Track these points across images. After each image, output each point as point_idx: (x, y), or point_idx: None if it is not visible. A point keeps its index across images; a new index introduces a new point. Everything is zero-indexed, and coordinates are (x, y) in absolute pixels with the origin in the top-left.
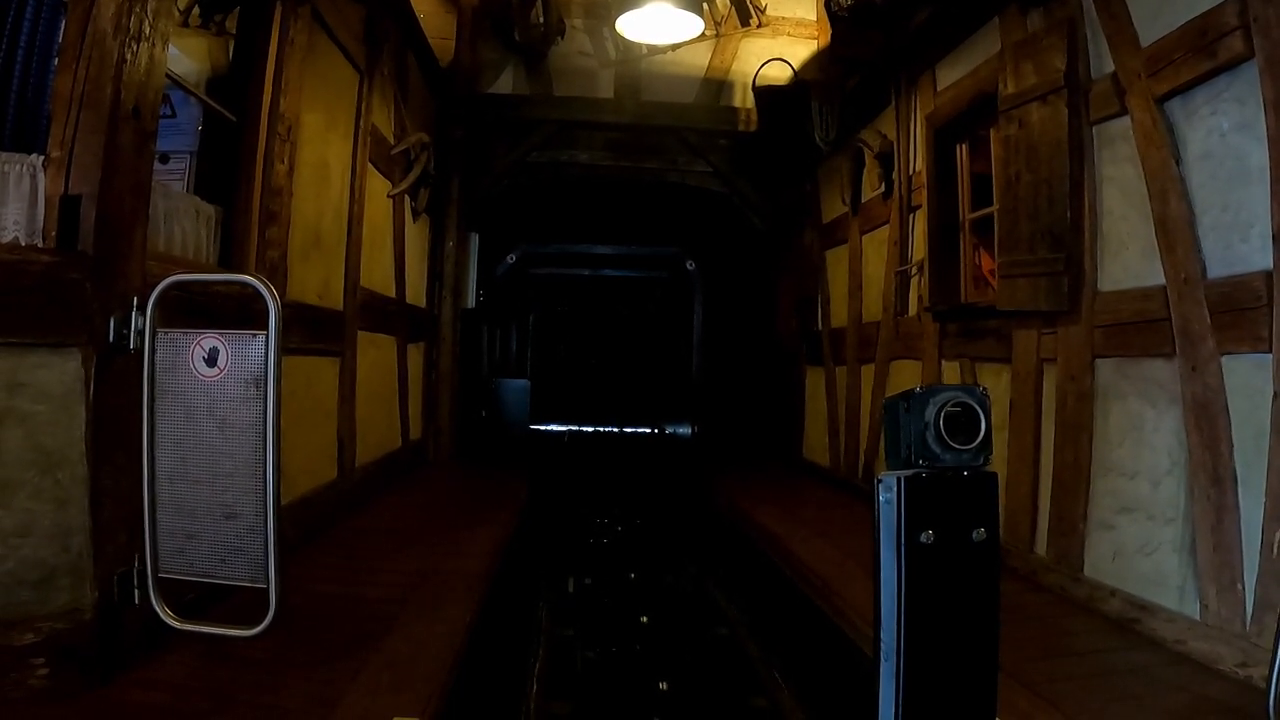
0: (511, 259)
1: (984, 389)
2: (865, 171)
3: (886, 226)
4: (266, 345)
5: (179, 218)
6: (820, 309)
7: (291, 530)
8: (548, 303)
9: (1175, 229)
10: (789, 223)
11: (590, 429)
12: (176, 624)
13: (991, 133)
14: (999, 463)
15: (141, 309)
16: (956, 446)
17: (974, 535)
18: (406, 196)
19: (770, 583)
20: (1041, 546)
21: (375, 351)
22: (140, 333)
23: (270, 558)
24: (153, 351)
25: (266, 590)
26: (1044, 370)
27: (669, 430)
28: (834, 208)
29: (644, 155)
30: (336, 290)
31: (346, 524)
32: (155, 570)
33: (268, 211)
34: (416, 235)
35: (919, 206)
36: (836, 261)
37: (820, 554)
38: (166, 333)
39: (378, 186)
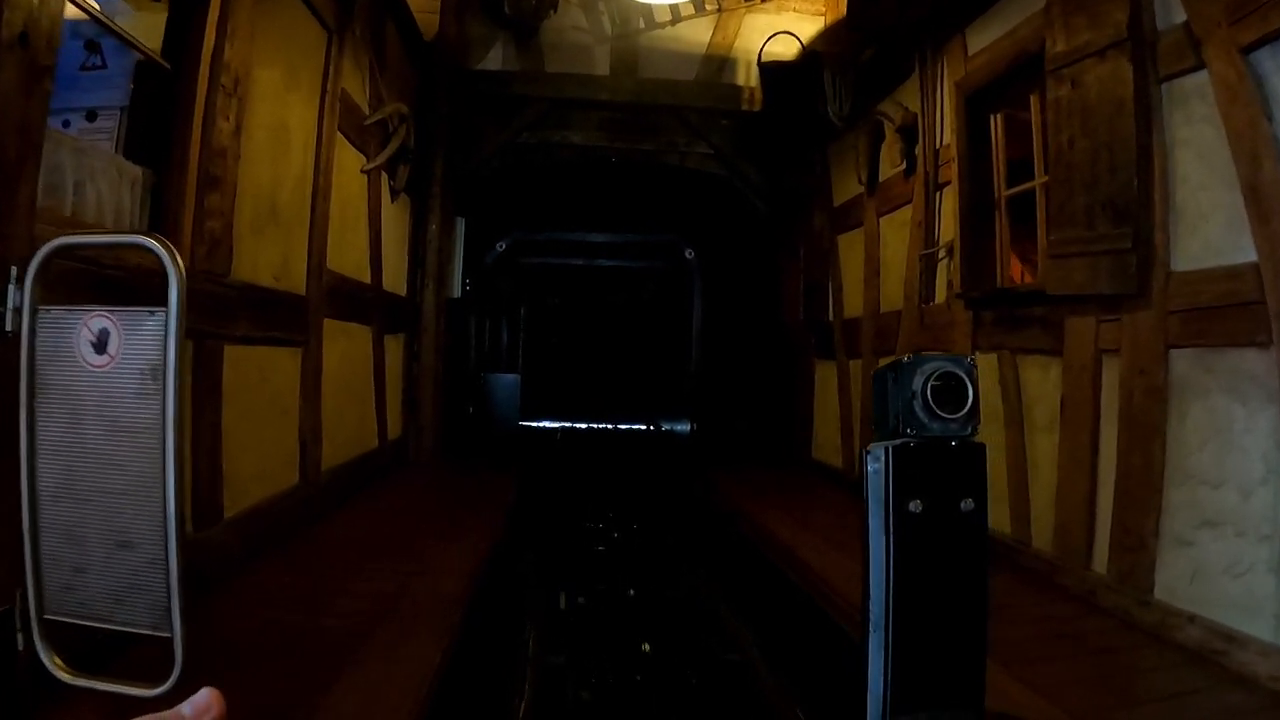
0: (501, 247)
1: (972, 359)
2: (884, 147)
3: (909, 207)
4: (166, 325)
5: (95, 179)
6: (831, 298)
7: (240, 545)
8: (539, 294)
9: (1270, 197)
10: (796, 206)
11: (584, 426)
12: (67, 678)
13: (1032, 99)
14: (1048, 466)
15: (20, 281)
16: (944, 416)
17: (962, 505)
18: (384, 173)
19: (785, 599)
20: (1100, 563)
21: (346, 342)
22: (18, 310)
23: (174, 599)
24: (32, 334)
25: (171, 640)
26: (1103, 363)
27: (665, 427)
28: (847, 189)
29: (641, 136)
30: (298, 272)
31: (310, 535)
32: (40, 610)
33: (208, 175)
34: (395, 217)
35: (947, 183)
36: (850, 246)
37: (839, 568)
38: (48, 310)
39: (350, 160)
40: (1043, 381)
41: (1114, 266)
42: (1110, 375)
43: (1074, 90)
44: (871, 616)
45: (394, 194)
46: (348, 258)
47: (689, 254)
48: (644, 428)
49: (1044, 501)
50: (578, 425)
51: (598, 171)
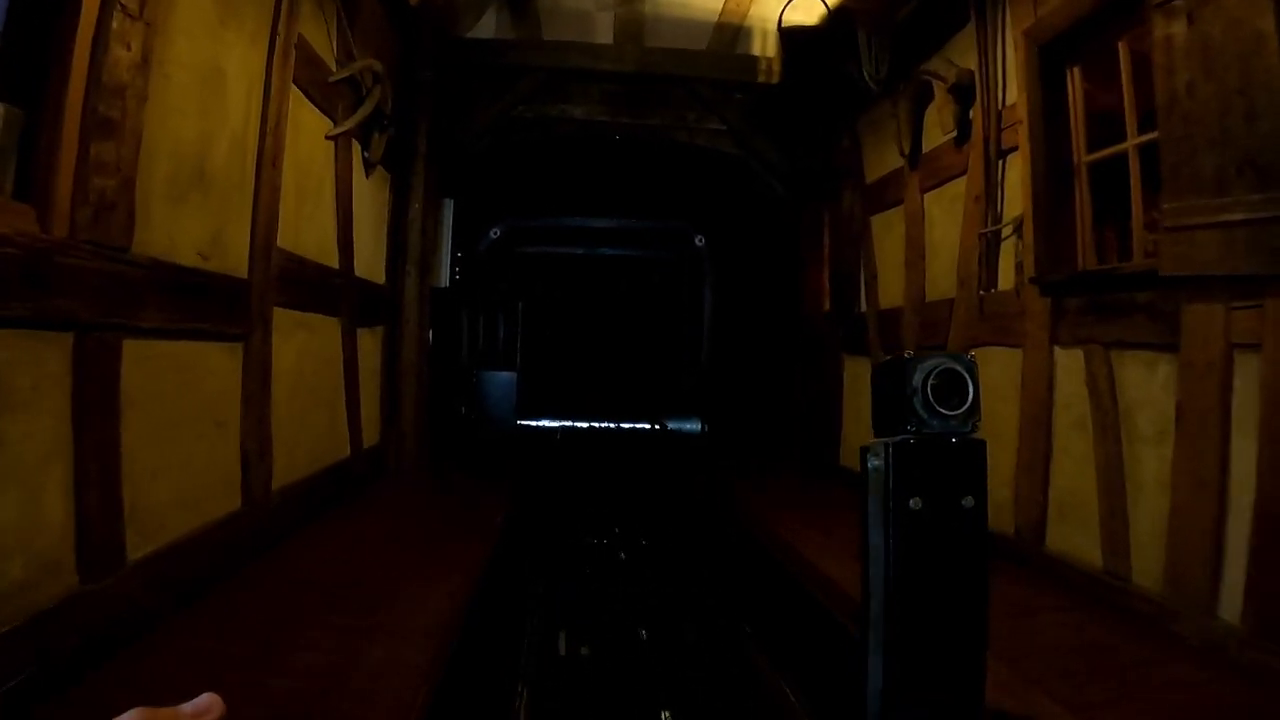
0: (495, 234)
1: (972, 356)
2: (931, 112)
3: (962, 179)
4: None
5: None
6: (864, 287)
7: (153, 596)
8: (538, 285)
9: None
10: (820, 187)
11: (585, 425)
12: None
13: (1120, 45)
14: (1157, 486)
15: None
16: (944, 412)
17: (963, 502)
18: (355, 142)
19: (836, 645)
20: (1231, 610)
21: (307, 336)
22: None
23: None
24: None
25: None
26: (1236, 360)
27: (673, 427)
28: (883, 163)
29: (647, 110)
30: (237, 250)
31: (253, 573)
32: None
33: (97, 117)
34: (371, 193)
35: (1013, 150)
36: (886, 228)
37: None
38: None
39: (311, 122)
40: (1148, 383)
41: (1255, 240)
42: (1246, 375)
43: (1191, 26)
44: (871, 614)
45: (369, 167)
46: (308, 237)
47: (699, 241)
48: (649, 427)
49: (1150, 529)
50: (578, 424)
51: (600, 150)
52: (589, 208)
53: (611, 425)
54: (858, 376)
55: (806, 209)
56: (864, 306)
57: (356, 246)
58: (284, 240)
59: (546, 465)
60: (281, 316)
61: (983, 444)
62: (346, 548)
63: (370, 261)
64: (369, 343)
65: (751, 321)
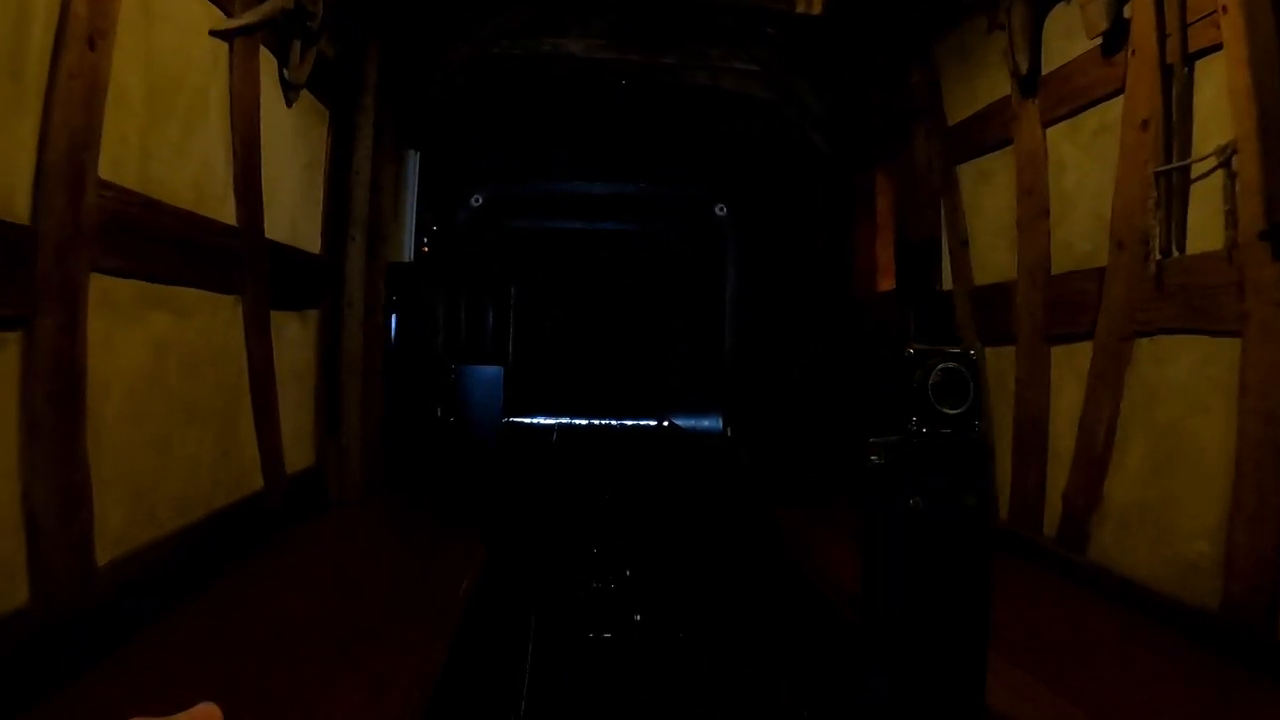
0: (477, 201)
1: (974, 351)
2: (1063, 13)
3: (1116, 100)
4: None
5: None
6: (949, 257)
7: None
8: (529, 263)
9: None
10: (878, 136)
11: (585, 422)
12: None
13: None
14: None
15: None
16: (947, 411)
17: (965, 501)
18: (266, 51)
19: None
20: None
21: (171, 320)
22: None
23: None
24: None
25: None
26: None
27: (684, 424)
28: (974, 96)
29: (661, 47)
30: (11, 177)
31: (43, 712)
32: None
33: None
34: (295, 128)
35: (1210, 50)
36: (983, 179)
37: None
38: None
39: (184, 5)
40: None
41: None
42: None
43: None
44: (872, 614)
45: (289, 90)
46: (173, 172)
47: (720, 210)
48: (655, 424)
49: None
50: (577, 422)
51: (603, 98)
52: (590, 170)
53: (615, 423)
54: None
55: (858, 166)
56: (949, 283)
57: (269, 197)
58: (114, 169)
59: (538, 479)
60: (115, 289)
61: (983, 443)
62: (212, 656)
63: (294, 221)
64: (295, 331)
65: (784, 305)
